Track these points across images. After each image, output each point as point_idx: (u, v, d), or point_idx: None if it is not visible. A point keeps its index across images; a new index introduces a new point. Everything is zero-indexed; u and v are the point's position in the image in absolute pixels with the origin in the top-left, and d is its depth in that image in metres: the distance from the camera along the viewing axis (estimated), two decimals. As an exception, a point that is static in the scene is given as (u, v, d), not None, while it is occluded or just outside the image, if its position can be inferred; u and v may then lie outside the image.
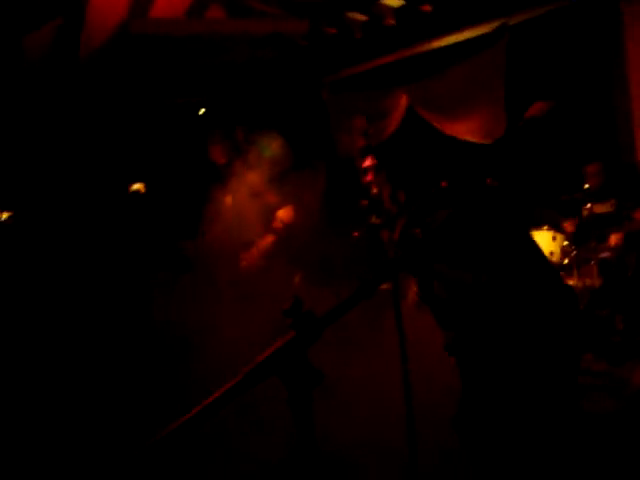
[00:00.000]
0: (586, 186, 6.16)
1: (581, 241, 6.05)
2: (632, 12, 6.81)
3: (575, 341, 2.52)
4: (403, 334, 1.72)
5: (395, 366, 1.84)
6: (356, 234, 6.57)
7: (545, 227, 5.94)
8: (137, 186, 8.27)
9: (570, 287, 2.75)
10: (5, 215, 7.77)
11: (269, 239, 5.77)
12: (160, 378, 4.78)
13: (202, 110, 9.02)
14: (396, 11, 8.09)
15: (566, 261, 5.86)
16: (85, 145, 8.08)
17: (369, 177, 6.30)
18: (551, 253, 5.82)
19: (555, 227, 5.96)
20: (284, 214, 5.53)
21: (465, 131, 7.86)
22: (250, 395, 1.44)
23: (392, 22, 8.15)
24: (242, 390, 1.44)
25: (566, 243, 5.89)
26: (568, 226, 6.23)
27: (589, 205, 6.10)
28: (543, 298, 2.45)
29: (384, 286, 1.61)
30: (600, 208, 6.18)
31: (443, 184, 2.53)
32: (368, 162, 6.56)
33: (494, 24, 7.58)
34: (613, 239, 5.98)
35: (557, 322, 2.47)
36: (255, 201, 5.68)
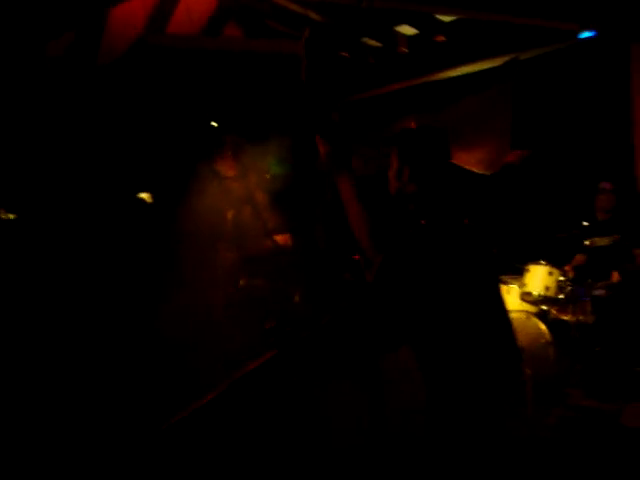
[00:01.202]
0: (585, 223, 6.25)
1: (578, 277, 6.13)
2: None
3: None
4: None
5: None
6: (357, 257, 6.62)
7: (542, 262, 6.01)
8: (143, 195, 8.36)
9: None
10: (11, 216, 7.86)
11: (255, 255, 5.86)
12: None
13: (214, 123, 9.12)
14: (410, 39, 8.22)
15: (561, 296, 5.93)
16: (94, 149, 8.17)
17: None
18: (547, 288, 5.89)
19: (552, 262, 6.03)
20: (282, 239, 5.63)
21: (471, 161, 7.95)
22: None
23: (405, 50, 8.27)
24: (228, 399, 1.51)
25: (562, 278, 5.96)
26: (567, 268, 6.32)
27: (588, 242, 6.18)
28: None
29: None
30: (602, 241, 6.26)
31: (422, 222, 2.60)
32: None
33: (505, 58, 7.70)
34: (615, 276, 6.06)
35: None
36: (256, 220, 5.78)
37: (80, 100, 7.82)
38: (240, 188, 5.94)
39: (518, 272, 6.20)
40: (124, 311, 6.06)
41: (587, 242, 6.21)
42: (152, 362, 5.15)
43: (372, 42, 8.47)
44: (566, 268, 6.31)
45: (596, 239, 6.26)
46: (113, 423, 3.93)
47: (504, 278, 6.32)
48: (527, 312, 5.85)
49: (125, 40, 7.47)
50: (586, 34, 6.72)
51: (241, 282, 5.79)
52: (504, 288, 6.23)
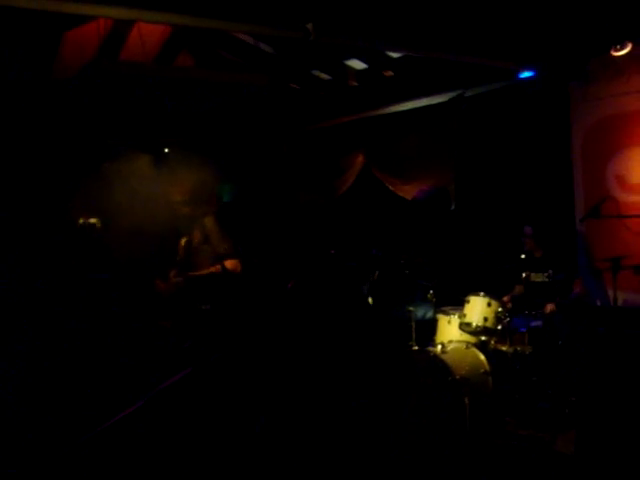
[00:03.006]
0: (522, 256, 6.43)
1: (515, 308, 6.28)
2: (579, 92, 7.22)
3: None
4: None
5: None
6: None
7: (481, 293, 6.15)
8: (93, 220, 8.31)
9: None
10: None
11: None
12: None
13: (166, 149, 9.14)
14: (359, 73, 8.40)
15: (499, 327, 6.05)
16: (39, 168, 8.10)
17: None
18: (485, 319, 6.02)
19: (490, 294, 6.16)
20: (230, 264, 5.67)
21: (414, 194, 8.14)
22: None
23: (354, 84, 8.45)
24: (146, 412, 1.58)
25: (500, 310, 6.09)
26: (506, 299, 6.48)
27: (524, 275, 6.36)
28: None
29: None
30: (536, 277, 6.46)
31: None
32: None
33: (451, 94, 7.92)
34: (548, 307, 6.24)
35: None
36: (205, 246, 5.84)
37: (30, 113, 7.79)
38: (190, 213, 5.99)
39: (459, 303, 6.34)
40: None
41: (524, 274, 6.39)
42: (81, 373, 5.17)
43: (322, 75, 8.63)
44: (504, 299, 6.47)
45: (532, 274, 6.45)
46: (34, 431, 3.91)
47: (445, 309, 6.47)
48: (467, 342, 5.98)
49: (79, 61, 7.49)
50: (526, 74, 6.98)
51: (191, 304, 5.81)
52: (445, 319, 6.37)
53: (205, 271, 5.74)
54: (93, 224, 8.03)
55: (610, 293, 6.31)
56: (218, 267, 5.66)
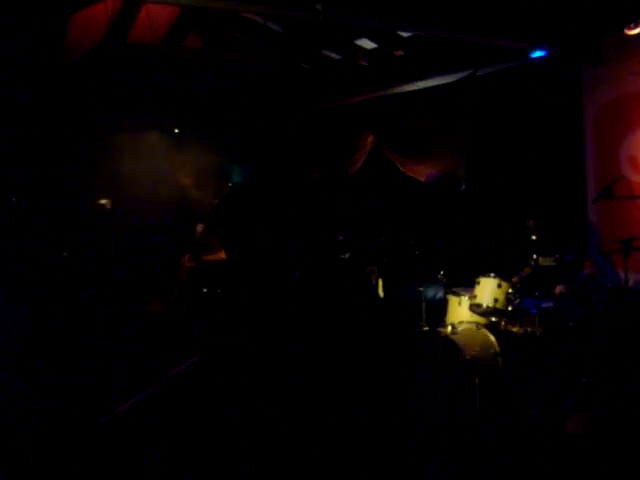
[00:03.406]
0: (533, 237, 6.41)
1: (525, 290, 6.26)
2: (592, 72, 7.14)
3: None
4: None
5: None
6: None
7: (492, 275, 6.14)
8: (104, 201, 8.34)
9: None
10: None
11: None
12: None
13: (176, 130, 9.14)
14: (369, 53, 8.35)
15: (510, 308, 6.05)
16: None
17: None
18: (495, 300, 6.02)
19: (501, 276, 6.15)
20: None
21: (426, 174, 8.10)
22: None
23: (364, 63, 8.39)
24: (154, 400, 1.60)
25: (511, 291, 6.08)
26: (515, 279, 6.46)
27: (534, 256, 6.33)
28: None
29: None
30: (544, 261, 6.43)
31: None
32: None
33: (462, 74, 7.85)
34: (558, 289, 6.22)
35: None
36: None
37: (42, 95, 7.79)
38: (200, 197, 6.01)
39: (469, 284, 6.33)
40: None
41: (534, 257, 6.35)
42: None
43: (332, 55, 8.58)
44: (514, 279, 6.45)
45: (540, 258, 6.41)
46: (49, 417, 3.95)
47: (456, 290, 6.46)
48: (477, 323, 5.98)
49: (87, 43, 7.48)
50: (538, 53, 6.91)
51: (204, 289, 5.85)
52: (455, 300, 6.37)
53: (216, 257, 5.77)
54: (103, 205, 8.06)
55: (621, 274, 6.30)
56: (220, 256, 5.70)
